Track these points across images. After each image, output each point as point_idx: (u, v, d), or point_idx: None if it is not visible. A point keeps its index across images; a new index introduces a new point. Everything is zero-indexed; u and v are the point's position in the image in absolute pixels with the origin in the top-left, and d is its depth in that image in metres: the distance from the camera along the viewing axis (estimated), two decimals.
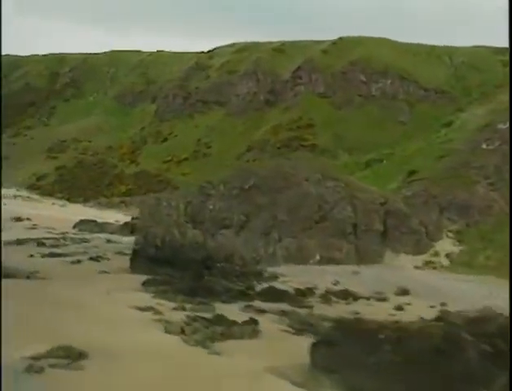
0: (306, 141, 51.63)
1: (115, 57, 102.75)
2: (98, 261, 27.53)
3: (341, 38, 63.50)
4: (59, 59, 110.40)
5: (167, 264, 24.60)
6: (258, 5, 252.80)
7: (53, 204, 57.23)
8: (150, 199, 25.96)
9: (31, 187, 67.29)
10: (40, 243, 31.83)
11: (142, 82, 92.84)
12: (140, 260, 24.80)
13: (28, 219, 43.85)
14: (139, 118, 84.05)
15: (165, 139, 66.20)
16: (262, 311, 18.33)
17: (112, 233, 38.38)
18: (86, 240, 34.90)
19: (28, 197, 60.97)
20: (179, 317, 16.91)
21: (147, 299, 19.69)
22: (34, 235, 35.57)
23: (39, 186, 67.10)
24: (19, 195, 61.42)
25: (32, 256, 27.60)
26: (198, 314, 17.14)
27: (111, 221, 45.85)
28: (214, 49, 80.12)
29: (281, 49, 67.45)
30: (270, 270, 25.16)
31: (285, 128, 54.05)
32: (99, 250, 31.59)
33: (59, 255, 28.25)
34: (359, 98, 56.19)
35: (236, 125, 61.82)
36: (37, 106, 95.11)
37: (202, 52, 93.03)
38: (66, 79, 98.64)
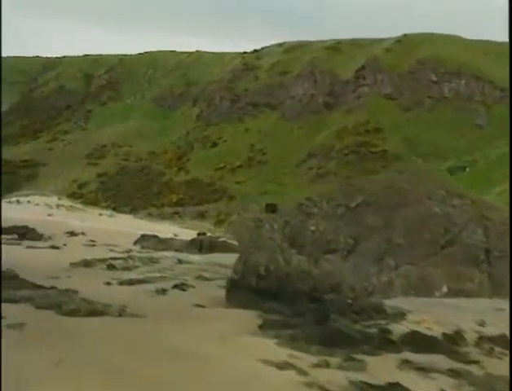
0: (376, 147, 48.17)
1: (152, 58, 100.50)
2: (183, 289, 24.27)
3: (405, 35, 59.93)
4: (93, 60, 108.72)
5: (270, 296, 21.44)
6: (291, 6, 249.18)
7: (100, 214, 54.58)
8: (248, 219, 22.63)
9: (72, 196, 64.93)
10: (110, 265, 28.87)
11: (181, 84, 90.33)
12: (239, 291, 21.64)
13: (82, 233, 41.01)
14: (181, 122, 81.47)
15: (215, 144, 63.24)
16: (423, 369, 14.93)
17: (178, 250, 35.32)
18: (155, 260, 31.77)
19: (71, 206, 58.51)
20: (333, 379, 13.64)
21: (274, 349, 16.42)
22: (97, 253, 32.64)
23: (81, 195, 64.69)
24: (62, 205, 59.01)
25: (109, 283, 24.65)
26: (352, 374, 13.76)
27: (169, 235, 42.93)
28: (262, 49, 77.08)
29: (338, 48, 64.10)
30: (388, 303, 21.87)
31: (351, 132, 50.65)
32: (175, 273, 28.47)
33: (138, 282, 25.18)
34: (429, 99, 52.56)
35: (292, 130, 58.61)
36: (72, 109, 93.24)
37: (245, 52, 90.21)
38: (102, 81, 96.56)
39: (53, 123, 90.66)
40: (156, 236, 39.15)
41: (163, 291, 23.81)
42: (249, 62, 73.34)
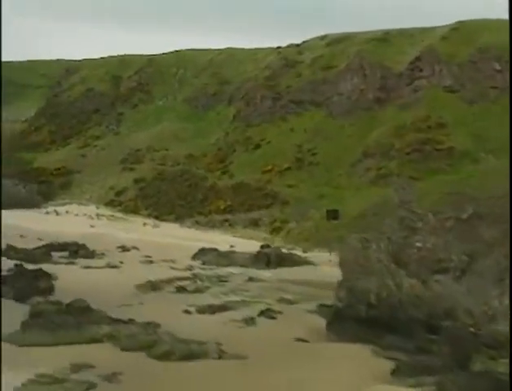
0: (441, 144, 45.18)
1: (181, 57, 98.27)
2: (272, 317, 21.95)
3: (461, 22, 56.70)
4: (120, 61, 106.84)
5: (382, 327, 18.83)
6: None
7: (144, 224, 52.47)
8: (352, 238, 20.10)
9: (110, 204, 62.96)
10: (179, 288, 26.56)
11: (214, 83, 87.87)
12: (345, 322, 19.05)
13: (134, 248, 38.95)
14: (217, 122, 79.08)
15: (258, 146, 60.66)
16: None
17: (243, 266, 32.92)
18: (224, 279, 29.54)
19: (112, 216, 56.54)
20: None
21: None
22: (159, 272, 30.41)
23: (120, 202, 62.65)
24: (103, 215, 57.05)
25: (188, 312, 22.28)
26: None
27: (225, 246, 40.59)
28: (302, 43, 74.22)
29: (385, 39, 61.04)
30: None
31: (411, 129, 47.66)
32: (252, 294, 26.15)
33: (218, 309, 22.78)
34: (493, 90, 49.34)
35: (341, 128, 55.79)
36: (101, 113, 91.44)
37: (279, 47, 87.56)
38: (132, 83, 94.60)
39: (83, 128, 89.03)
40: (215, 249, 36.82)
41: (251, 320, 21.39)
42: (289, 57, 70.50)
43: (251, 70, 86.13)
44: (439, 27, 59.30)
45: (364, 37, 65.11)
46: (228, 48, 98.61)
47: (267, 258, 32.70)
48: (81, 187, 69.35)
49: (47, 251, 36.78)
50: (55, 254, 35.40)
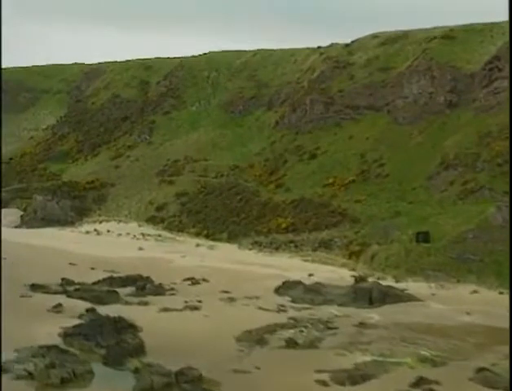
0: None
1: (213, 60, 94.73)
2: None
3: None
4: (146, 65, 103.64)
5: None
6: None
7: (197, 245, 48.82)
8: None
9: (152, 221, 59.35)
10: (287, 340, 22.78)
11: (251, 86, 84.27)
12: None
13: (204, 280, 35.27)
14: (257, 129, 75.47)
15: (313, 156, 56.78)
16: None
17: (342, 304, 29.08)
18: (330, 325, 25.70)
19: (159, 236, 52.96)
20: None
21: None
22: (249, 316, 26.68)
23: (162, 219, 59.04)
24: (148, 234, 53.50)
25: (323, 382, 18.52)
26: None
27: (302, 274, 36.86)
28: (352, 43, 70.28)
29: (451, 36, 57.00)
30: None
31: (498, 137, 43.60)
32: (377, 348, 22.32)
33: (359, 377, 18.97)
34: None
35: (410, 135, 51.80)
36: (131, 120, 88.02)
37: (319, 47, 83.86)
38: (161, 88, 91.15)
39: (112, 136, 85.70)
40: (299, 282, 33.00)
41: None
42: (339, 58, 66.59)
43: (290, 72, 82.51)
44: (504, 21, 55.14)
45: (424, 34, 61.11)
46: (262, 49, 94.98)
47: (368, 294, 28.85)
48: (118, 202, 65.86)
49: (109, 284, 33.27)
50: (122, 291, 31.82)
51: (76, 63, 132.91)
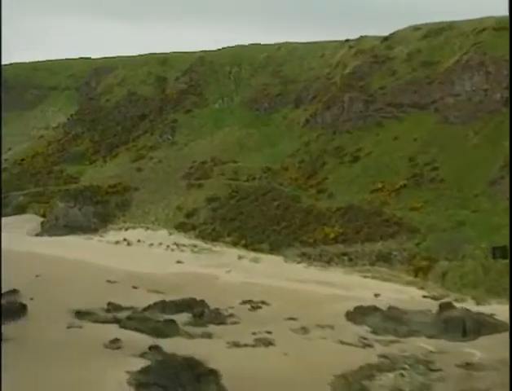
0: None
1: (234, 54, 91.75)
2: None
3: None
4: (161, 60, 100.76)
5: None
6: None
7: (240, 258, 46.04)
8: None
9: (182, 228, 56.59)
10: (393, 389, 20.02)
11: (276, 82, 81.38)
12: None
13: (263, 303, 32.50)
14: (285, 128, 72.62)
15: (356, 158, 53.86)
16: None
17: (432, 336, 26.27)
18: (430, 365, 22.91)
19: (195, 247, 50.22)
20: None
21: None
22: (333, 353, 23.93)
23: (193, 226, 56.29)
24: (183, 245, 50.79)
25: None
26: None
27: (366, 293, 34.14)
28: (389, 36, 67.19)
29: (503, 27, 53.85)
30: None
31: None
32: None
33: None
34: None
35: (464, 136, 48.85)
36: (149, 119, 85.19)
37: (347, 40, 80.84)
38: (181, 85, 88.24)
39: (130, 136, 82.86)
40: (374, 308, 30.20)
41: None
42: (378, 53, 63.55)
43: (318, 67, 79.54)
44: None
45: (471, 26, 58.05)
46: (286, 43, 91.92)
47: (460, 324, 26.04)
48: (143, 208, 63.13)
49: (162, 310, 30.52)
50: (177, 317, 29.08)
51: (83, 58, 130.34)
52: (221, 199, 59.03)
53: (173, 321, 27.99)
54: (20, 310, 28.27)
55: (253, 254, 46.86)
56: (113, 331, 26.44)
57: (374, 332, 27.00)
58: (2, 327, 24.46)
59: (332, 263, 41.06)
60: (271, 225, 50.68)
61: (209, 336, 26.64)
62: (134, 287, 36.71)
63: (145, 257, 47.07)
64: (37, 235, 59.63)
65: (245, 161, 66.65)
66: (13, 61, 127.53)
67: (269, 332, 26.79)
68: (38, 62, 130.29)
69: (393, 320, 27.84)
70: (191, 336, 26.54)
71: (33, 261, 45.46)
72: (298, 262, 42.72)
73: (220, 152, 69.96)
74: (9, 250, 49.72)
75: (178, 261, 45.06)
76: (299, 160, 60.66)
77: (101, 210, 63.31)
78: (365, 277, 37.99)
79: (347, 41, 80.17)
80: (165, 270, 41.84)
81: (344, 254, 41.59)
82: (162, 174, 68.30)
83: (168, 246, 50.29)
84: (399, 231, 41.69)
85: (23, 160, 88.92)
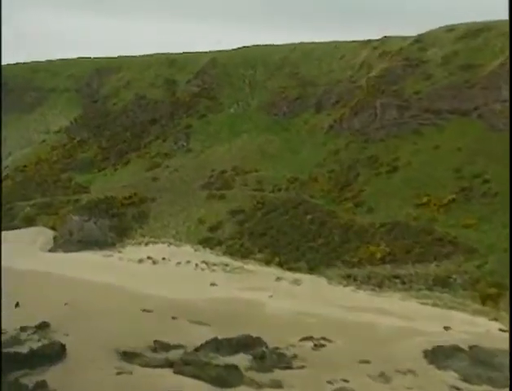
0: None
1: (248, 55, 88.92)
2: None
3: None
4: (170, 61, 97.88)
5: None
6: None
7: (278, 279, 43.09)
8: None
9: (207, 243, 53.57)
10: None
11: (294, 85, 78.70)
12: None
13: (325, 340, 29.55)
14: (307, 134, 69.88)
15: (394, 169, 51.02)
16: None
17: None
18: None
19: (226, 266, 47.25)
20: None
21: None
22: None
23: (219, 241, 53.30)
24: (214, 264, 47.80)
25: None
26: None
27: (433, 327, 31.26)
28: (419, 36, 64.44)
29: None
30: None
31: None
32: None
33: None
34: None
35: None
36: (160, 124, 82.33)
37: (369, 40, 78.23)
38: (193, 88, 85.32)
39: (141, 142, 79.93)
40: (456, 347, 27.28)
41: None
42: (410, 55, 60.78)
43: (339, 69, 76.92)
44: None
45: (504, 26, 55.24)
46: (301, 43, 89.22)
47: None
48: (162, 220, 60.10)
49: (216, 349, 27.51)
50: (235, 359, 26.12)
51: (82, 58, 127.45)
52: (246, 212, 56.14)
53: (236, 367, 25.00)
54: (59, 351, 25.23)
55: (291, 274, 43.96)
56: (168, 378, 23.50)
57: (466, 380, 24.05)
58: (40, 372, 21.67)
59: (383, 286, 38.17)
60: (306, 241, 47.81)
61: (279, 385, 23.63)
62: (174, 318, 33.76)
63: (175, 278, 44.08)
64: (50, 250, 56.52)
65: (268, 170, 63.80)
66: (8, 62, 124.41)
67: (346, 381, 23.87)
68: (37, 62, 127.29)
69: (482, 364, 24.97)
70: (259, 386, 23.51)
71: (55, 283, 42.44)
72: (344, 285, 39.80)
73: (240, 160, 67.09)
74: (25, 269, 46.76)
75: (213, 284, 42.08)
76: (328, 169, 57.82)
77: (117, 223, 60.29)
78: (425, 304, 35.13)
79: (369, 41, 77.58)
80: (202, 295, 38.86)
81: (395, 277, 38.71)
82: (180, 184, 65.33)
83: (197, 265, 47.31)
84: (454, 251, 38.89)
85: (25, 166, 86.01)
